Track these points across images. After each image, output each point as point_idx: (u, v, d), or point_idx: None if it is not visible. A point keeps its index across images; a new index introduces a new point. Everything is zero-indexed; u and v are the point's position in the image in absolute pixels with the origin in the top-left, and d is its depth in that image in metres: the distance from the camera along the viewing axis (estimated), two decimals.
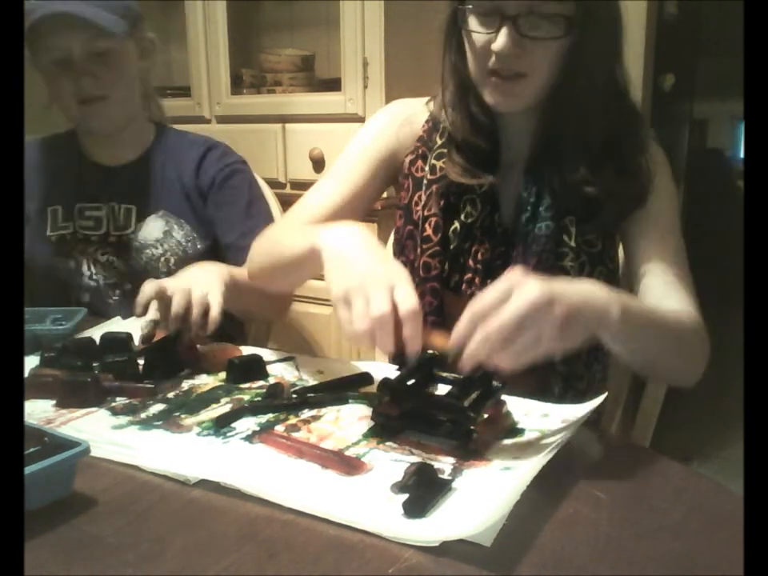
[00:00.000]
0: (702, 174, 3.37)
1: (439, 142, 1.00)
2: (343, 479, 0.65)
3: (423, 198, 0.99)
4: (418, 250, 0.98)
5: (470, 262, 0.96)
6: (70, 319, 1.07)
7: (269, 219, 1.35)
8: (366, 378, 0.88)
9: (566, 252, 0.93)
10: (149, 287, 0.98)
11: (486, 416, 0.74)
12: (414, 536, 0.55)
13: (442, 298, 0.97)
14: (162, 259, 1.30)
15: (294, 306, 1.93)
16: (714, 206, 3.71)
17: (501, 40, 0.84)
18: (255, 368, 0.92)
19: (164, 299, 0.98)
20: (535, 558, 0.54)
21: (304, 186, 2.05)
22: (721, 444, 2.59)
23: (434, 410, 0.73)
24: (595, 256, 0.95)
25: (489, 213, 0.96)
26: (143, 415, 0.80)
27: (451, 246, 0.97)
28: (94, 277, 1.30)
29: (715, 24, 3.20)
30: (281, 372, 0.93)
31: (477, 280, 0.95)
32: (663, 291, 0.92)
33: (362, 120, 1.90)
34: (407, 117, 1.06)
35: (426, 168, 1.00)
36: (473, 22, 0.88)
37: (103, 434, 0.74)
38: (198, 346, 1.01)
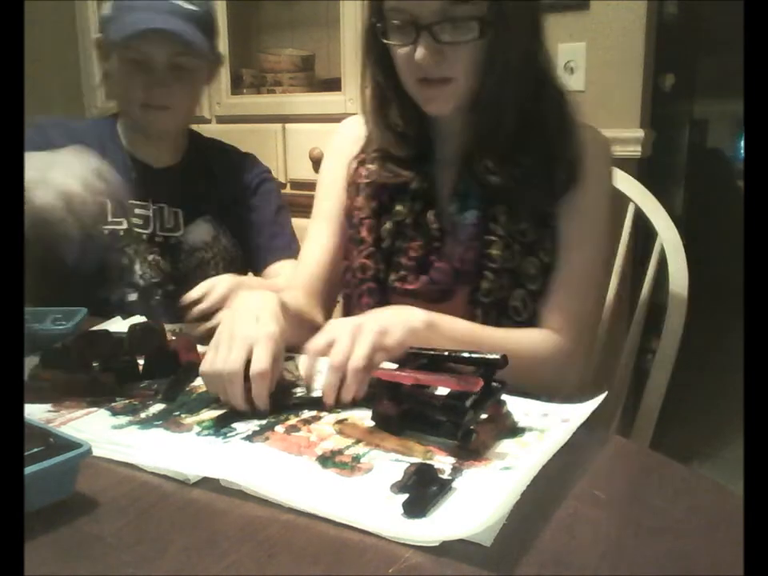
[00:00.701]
0: (702, 174, 3.37)
1: (375, 146, 1.02)
2: (343, 479, 0.65)
3: (361, 201, 1.02)
4: (355, 252, 1.01)
5: (404, 260, 0.97)
6: (70, 319, 1.07)
7: (291, 225, 1.42)
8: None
9: (494, 240, 0.93)
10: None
11: (485, 416, 0.74)
12: (414, 536, 0.55)
13: (382, 298, 0.98)
14: (212, 263, 1.34)
15: None
16: (714, 206, 3.71)
17: (420, 50, 0.86)
18: None
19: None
20: (535, 557, 0.54)
21: (304, 185, 2.06)
22: (721, 444, 2.59)
23: (433, 410, 0.73)
24: (528, 246, 0.94)
25: (421, 211, 0.97)
26: (143, 415, 0.80)
27: (383, 246, 0.98)
28: (144, 276, 1.31)
29: (715, 24, 3.20)
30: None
31: (410, 277, 0.96)
32: (548, 307, 0.96)
33: None
34: (355, 135, 1.08)
35: (363, 173, 1.03)
36: (392, 36, 0.90)
37: (103, 433, 0.74)
38: (198, 347, 1.00)
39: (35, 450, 0.62)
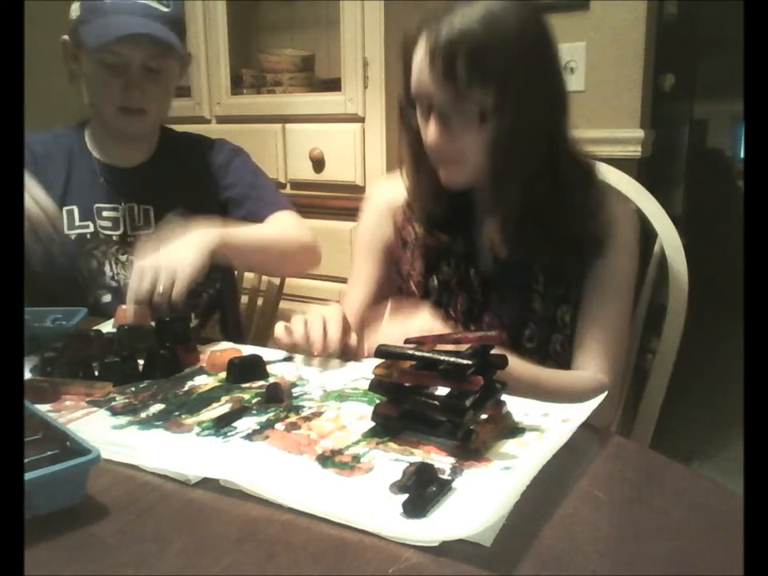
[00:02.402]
0: (702, 174, 3.38)
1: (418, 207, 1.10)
2: (343, 479, 0.65)
3: (409, 257, 1.12)
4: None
5: (451, 312, 1.06)
6: (70, 319, 1.07)
7: (272, 185, 1.42)
8: None
9: (534, 296, 1.03)
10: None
11: (485, 416, 0.74)
12: (414, 536, 0.55)
13: None
14: None
15: (293, 305, 1.94)
16: (714, 206, 3.72)
17: (430, 131, 0.95)
18: (255, 368, 0.92)
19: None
20: (535, 557, 0.54)
21: (304, 186, 2.06)
22: (721, 444, 2.59)
23: (433, 410, 0.73)
24: (561, 297, 1.03)
25: (465, 270, 1.06)
26: (143, 415, 0.80)
27: (430, 300, 1.07)
28: (116, 277, 1.30)
29: (715, 24, 3.20)
30: (281, 372, 0.94)
31: (459, 327, 1.04)
32: (586, 352, 1.03)
33: (361, 120, 1.91)
34: (388, 202, 1.15)
35: (412, 232, 1.12)
36: (419, 117, 0.98)
37: (103, 434, 0.74)
38: (199, 346, 1.01)
39: (49, 453, 0.62)
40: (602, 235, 1.01)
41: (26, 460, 0.59)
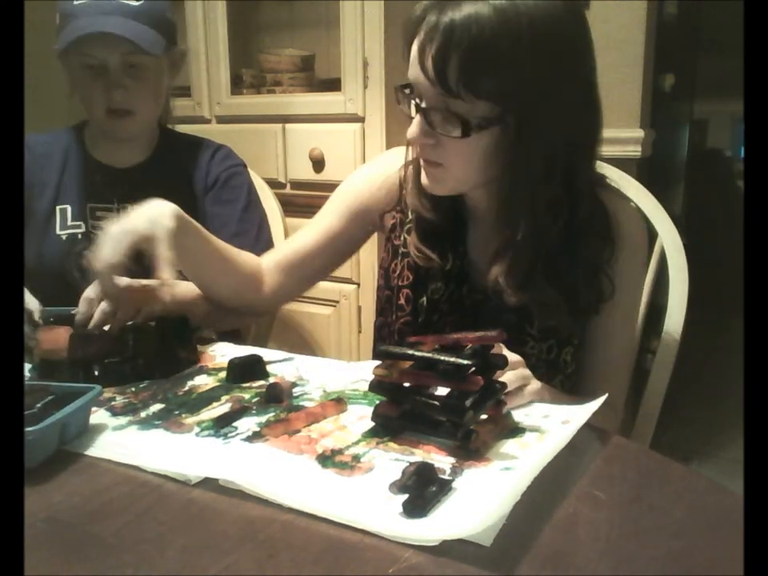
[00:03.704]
0: (702, 174, 3.38)
1: (411, 216, 1.02)
2: (343, 479, 0.65)
3: (398, 267, 1.03)
4: (394, 316, 1.03)
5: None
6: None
7: (261, 224, 1.38)
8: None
9: (528, 339, 0.94)
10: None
11: (485, 416, 0.74)
12: (414, 536, 0.55)
13: None
14: None
15: (295, 305, 1.94)
16: (714, 206, 3.72)
17: (411, 128, 0.88)
18: (255, 368, 0.92)
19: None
20: (535, 558, 0.54)
21: (304, 186, 2.06)
22: (721, 444, 2.59)
23: (434, 410, 0.73)
24: (563, 340, 0.95)
25: (456, 287, 0.98)
26: (143, 414, 0.80)
27: (420, 319, 1.00)
28: None
29: (715, 24, 3.20)
30: (281, 372, 0.94)
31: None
32: (594, 388, 0.95)
33: (361, 120, 1.90)
34: (387, 177, 1.07)
35: (401, 239, 1.04)
36: (408, 108, 0.90)
37: (103, 434, 0.74)
38: (198, 346, 1.01)
39: (46, 399, 0.72)
40: (613, 273, 0.93)
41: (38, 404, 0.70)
